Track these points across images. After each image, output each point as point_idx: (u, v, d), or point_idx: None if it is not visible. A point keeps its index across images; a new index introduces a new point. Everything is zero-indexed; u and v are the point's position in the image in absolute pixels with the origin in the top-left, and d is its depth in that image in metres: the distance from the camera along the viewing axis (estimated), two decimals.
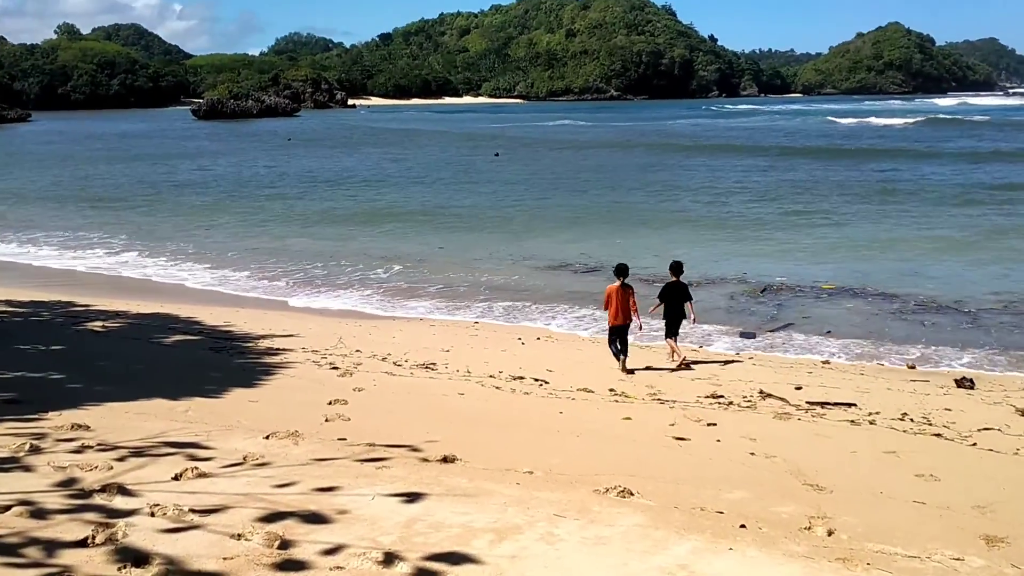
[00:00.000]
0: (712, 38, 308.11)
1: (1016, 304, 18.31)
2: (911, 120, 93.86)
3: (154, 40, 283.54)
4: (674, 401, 11.21)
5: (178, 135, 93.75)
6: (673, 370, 13.70)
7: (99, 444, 7.44)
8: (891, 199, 35.13)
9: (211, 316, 17.08)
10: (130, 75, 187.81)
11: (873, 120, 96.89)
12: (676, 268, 14.45)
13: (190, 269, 24.29)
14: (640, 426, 9.81)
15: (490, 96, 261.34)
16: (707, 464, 8.07)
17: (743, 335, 16.51)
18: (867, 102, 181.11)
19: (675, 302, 14.30)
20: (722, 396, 11.62)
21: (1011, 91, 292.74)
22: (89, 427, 8.00)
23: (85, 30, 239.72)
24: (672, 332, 14.35)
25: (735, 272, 21.92)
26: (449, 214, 34.07)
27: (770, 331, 16.81)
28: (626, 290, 13.71)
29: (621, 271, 13.79)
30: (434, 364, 13.23)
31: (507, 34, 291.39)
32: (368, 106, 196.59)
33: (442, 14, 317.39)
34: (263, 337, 14.94)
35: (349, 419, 9.24)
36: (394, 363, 13.22)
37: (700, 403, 11.17)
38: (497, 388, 11.68)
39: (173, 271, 24.03)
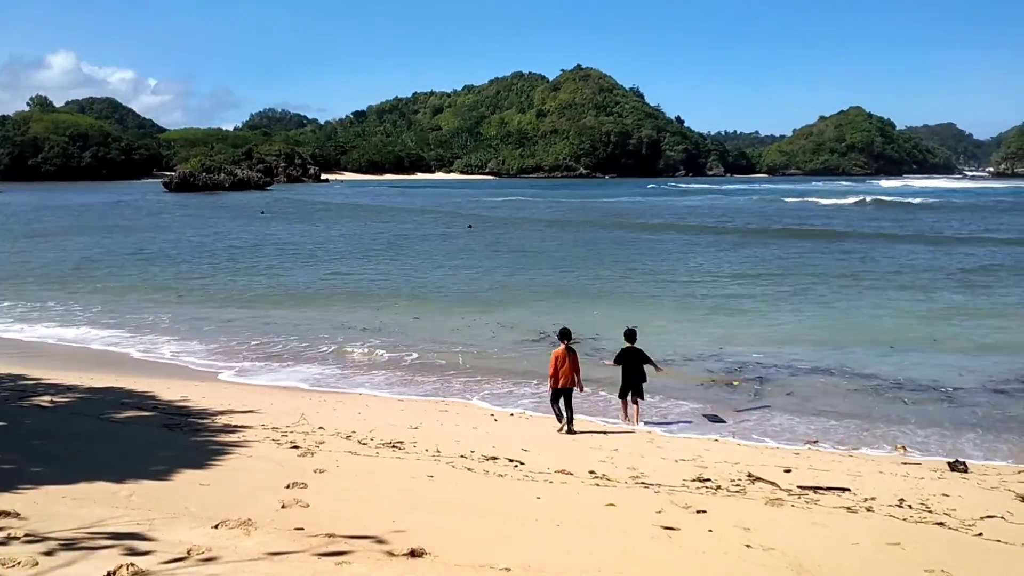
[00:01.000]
0: (679, 119, 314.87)
1: (992, 383, 17.86)
2: (852, 200, 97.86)
3: (128, 113, 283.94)
4: (659, 485, 10.53)
5: (149, 208, 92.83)
6: (624, 432, 14.49)
7: (27, 535, 6.69)
8: (849, 280, 34.99)
9: (168, 390, 16.25)
10: (102, 147, 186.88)
11: (818, 200, 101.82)
12: (630, 335, 15.42)
13: (152, 341, 23.37)
14: (625, 513, 9.10)
15: (462, 172, 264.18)
16: (700, 558, 7.39)
17: (711, 419, 15.83)
18: (815, 183, 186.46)
19: (633, 366, 15.16)
20: (709, 479, 10.96)
21: (968, 174, 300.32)
22: (19, 514, 7.22)
23: (59, 103, 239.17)
24: (627, 393, 15.25)
25: (707, 350, 21.41)
26: (428, 288, 33.48)
27: (749, 409, 16.20)
28: (571, 354, 14.31)
29: (564, 335, 14.44)
30: (401, 443, 12.48)
31: (479, 113, 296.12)
32: (341, 181, 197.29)
33: (415, 93, 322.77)
34: (221, 413, 14.13)
35: (308, 505, 8.49)
36: (359, 441, 12.46)
37: (686, 487, 10.49)
38: (469, 470, 10.95)
39: (135, 343, 23.07)
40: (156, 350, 22.21)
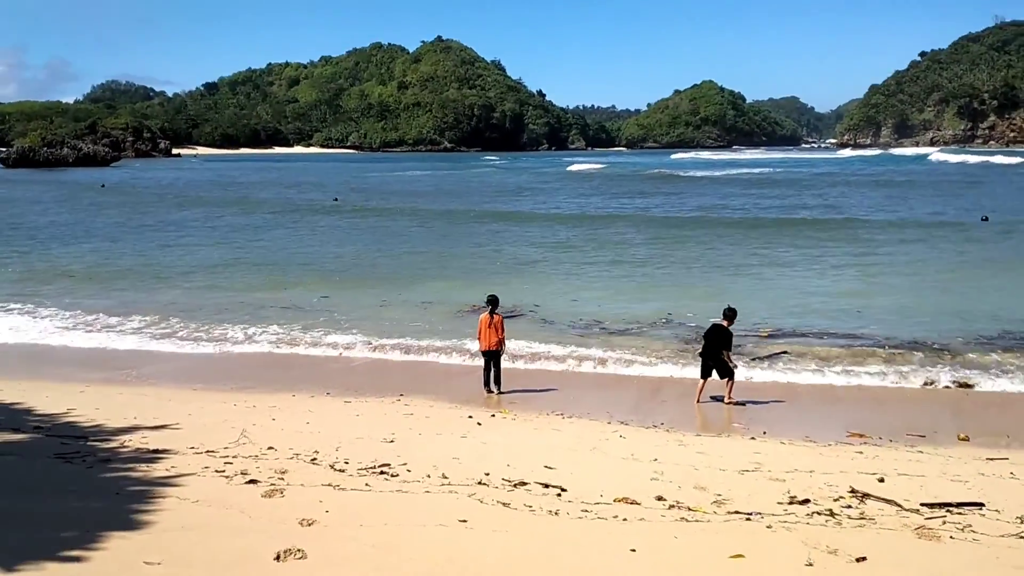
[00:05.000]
0: (541, 93, 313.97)
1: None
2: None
3: None
4: (759, 514, 7.97)
5: None
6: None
7: None
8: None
9: (46, 399, 12.64)
10: None
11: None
12: (729, 314, 14.29)
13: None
14: (765, 569, 6.51)
15: (322, 146, 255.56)
16: None
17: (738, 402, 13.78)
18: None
19: (713, 346, 14.05)
20: (808, 500, 8.49)
21: (817, 145, 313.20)
22: None
23: None
24: (707, 374, 14.15)
25: (665, 318, 19.17)
26: (327, 263, 29.96)
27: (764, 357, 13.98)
28: (493, 318, 14.56)
29: (490, 301, 14.75)
30: (388, 466, 9.47)
31: (338, 85, 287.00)
32: (195, 155, 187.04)
33: (270, 64, 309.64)
34: (128, 431, 10.74)
35: None
36: (332, 467, 9.38)
37: (794, 515, 7.97)
38: (505, 505, 8.09)
39: None
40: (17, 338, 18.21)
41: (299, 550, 6.54)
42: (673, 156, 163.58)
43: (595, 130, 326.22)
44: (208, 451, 9.85)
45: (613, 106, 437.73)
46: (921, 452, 10.91)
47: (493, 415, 12.80)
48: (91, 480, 8.42)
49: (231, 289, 24.68)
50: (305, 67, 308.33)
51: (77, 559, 6.27)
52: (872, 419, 12.76)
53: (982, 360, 15.81)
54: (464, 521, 7.51)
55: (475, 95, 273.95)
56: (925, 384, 14.68)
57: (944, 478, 9.52)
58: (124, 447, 9.89)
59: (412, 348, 17.53)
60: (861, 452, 10.87)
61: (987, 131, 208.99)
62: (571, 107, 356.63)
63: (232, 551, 6.57)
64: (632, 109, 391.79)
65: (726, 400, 13.88)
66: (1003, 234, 35.22)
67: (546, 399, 14.09)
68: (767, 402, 13.84)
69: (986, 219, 42.56)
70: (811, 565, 6.60)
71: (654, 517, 7.82)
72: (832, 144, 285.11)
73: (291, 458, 9.71)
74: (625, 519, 7.72)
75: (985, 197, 55.16)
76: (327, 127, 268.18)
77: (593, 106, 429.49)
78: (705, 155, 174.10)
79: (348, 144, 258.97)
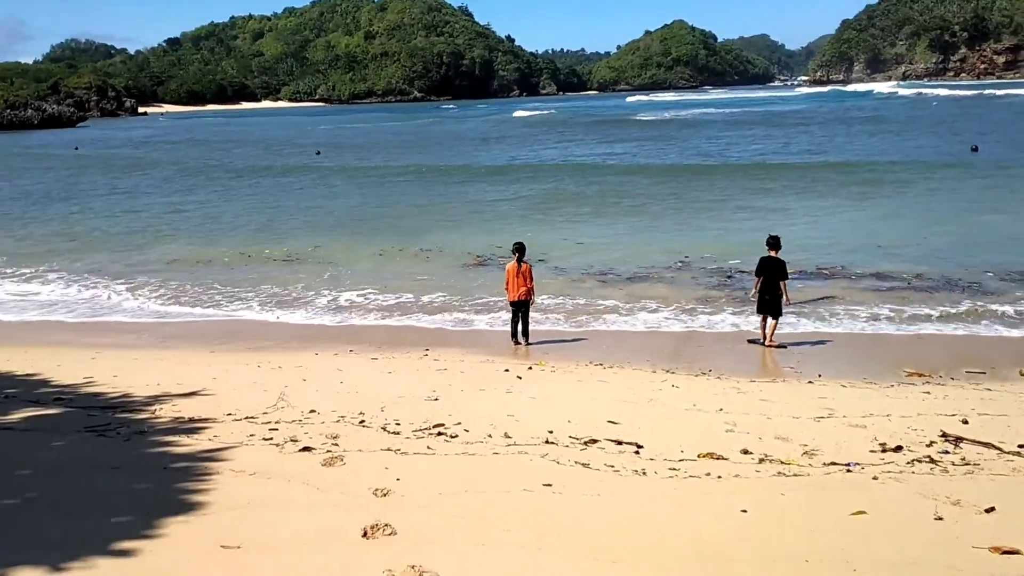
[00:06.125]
0: (510, 38, 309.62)
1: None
2: None
3: None
4: (859, 464, 7.47)
5: None
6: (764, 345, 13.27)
7: None
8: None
9: (57, 367, 11.88)
10: None
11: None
12: (773, 243, 13.72)
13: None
14: (892, 526, 6.02)
15: (291, 100, 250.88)
16: None
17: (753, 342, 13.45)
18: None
19: (770, 279, 13.42)
20: (901, 447, 7.99)
21: (789, 83, 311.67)
22: None
23: None
24: (763, 309, 13.50)
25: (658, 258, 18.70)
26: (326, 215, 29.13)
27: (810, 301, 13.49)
28: (521, 266, 13.88)
29: (517, 248, 14.11)
30: (442, 425, 8.88)
31: (303, 37, 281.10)
32: (162, 113, 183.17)
33: (233, 17, 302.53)
34: (157, 399, 10.04)
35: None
36: (384, 429, 8.77)
37: (896, 464, 7.49)
38: (584, 465, 7.52)
39: None
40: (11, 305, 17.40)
41: (386, 525, 5.96)
42: (628, 99, 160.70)
43: (566, 74, 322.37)
44: (248, 417, 9.20)
45: (583, 49, 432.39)
46: (989, 390, 10.47)
47: (530, 368, 12.20)
48: (131, 455, 7.75)
49: (233, 248, 23.88)
50: (269, 19, 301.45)
51: (133, 552, 5.62)
52: (924, 357, 12.31)
53: (1017, 294, 15.43)
54: (549, 485, 6.94)
55: (443, 43, 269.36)
56: (965, 320, 14.25)
57: None
58: (157, 417, 9.21)
59: (425, 302, 16.90)
60: (928, 392, 10.40)
61: (958, 63, 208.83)
62: (541, 52, 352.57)
63: (312, 529, 5.97)
64: (602, 52, 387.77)
65: (767, 342, 13.36)
66: (999, 168, 34.80)
67: (578, 349, 13.52)
68: (810, 343, 13.35)
69: (975, 149, 42.27)
70: (941, 519, 6.10)
71: (748, 473, 7.29)
72: (805, 81, 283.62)
73: (337, 421, 9.08)
74: (720, 476, 7.19)
75: (964, 130, 54.85)
76: (294, 80, 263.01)
77: (563, 50, 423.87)
78: (664, 97, 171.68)
79: (317, 97, 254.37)
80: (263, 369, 12.09)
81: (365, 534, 5.86)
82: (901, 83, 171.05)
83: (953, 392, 10.35)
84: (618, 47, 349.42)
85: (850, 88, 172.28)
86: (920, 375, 11.38)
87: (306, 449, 8.00)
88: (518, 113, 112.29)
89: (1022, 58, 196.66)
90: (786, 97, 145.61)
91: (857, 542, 5.72)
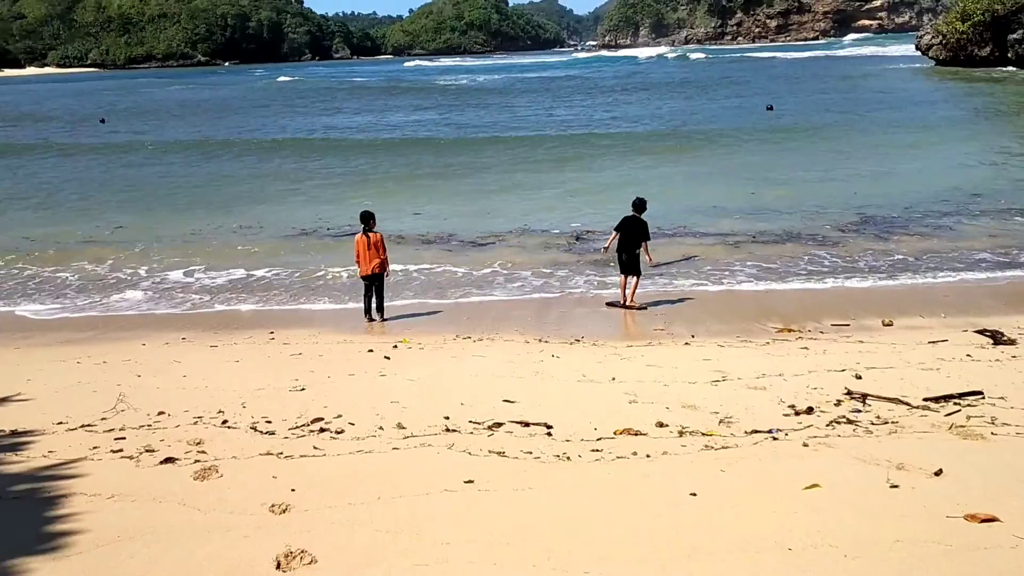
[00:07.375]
0: (299, 0, 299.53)
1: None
2: None
3: None
4: (782, 431, 7.15)
5: None
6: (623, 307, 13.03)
7: None
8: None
9: None
10: None
11: None
12: (639, 204, 13.37)
13: None
14: (849, 496, 5.68)
15: (59, 66, 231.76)
16: None
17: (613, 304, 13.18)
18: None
19: (630, 237, 13.11)
20: (812, 408, 7.76)
21: (579, 48, 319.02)
22: None
23: None
24: (625, 270, 13.13)
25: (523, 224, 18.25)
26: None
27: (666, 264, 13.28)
28: (371, 237, 12.95)
29: (365, 217, 13.17)
30: (321, 420, 7.87)
31: None
32: None
33: None
34: None
35: None
36: (253, 429, 7.66)
37: (811, 426, 7.25)
38: (499, 454, 6.78)
39: None
40: None
41: (302, 551, 5.01)
42: (407, 64, 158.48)
43: (359, 38, 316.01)
44: (84, 425, 7.83)
45: (374, 12, 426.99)
46: (862, 342, 10.54)
47: (395, 346, 11.28)
48: None
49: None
50: None
51: None
52: (783, 311, 12.37)
53: (857, 247, 15.97)
54: (471, 482, 6.17)
55: (227, 4, 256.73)
56: (816, 273, 14.54)
57: (911, 367, 9.12)
58: None
59: (258, 277, 15.55)
60: (807, 348, 10.34)
61: (735, 28, 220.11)
62: (331, 15, 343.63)
63: (208, 565, 4.92)
64: (394, 16, 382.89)
65: (627, 303, 13.03)
66: (800, 129, 36.32)
67: (438, 323, 12.72)
68: (668, 303, 13.15)
69: (771, 108, 44.29)
70: (897, 487, 5.81)
71: (675, 449, 6.80)
72: (594, 45, 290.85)
73: (194, 423, 7.88)
74: (648, 456, 6.65)
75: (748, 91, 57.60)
76: (62, 44, 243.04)
77: (354, 13, 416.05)
78: (443, 61, 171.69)
79: (89, 62, 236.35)
80: (85, 365, 10.53)
81: (279, 566, 4.89)
82: (673, 48, 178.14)
83: (830, 347, 10.34)
84: (410, 11, 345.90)
85: (620, 53, 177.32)
86: (790, 330, 11.39)
87: (168, 460, 6.82)
88: (282, 78, 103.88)
89: (792, 22, 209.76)
90: (560, 63, 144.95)
91: (829, 521, 5.31)
